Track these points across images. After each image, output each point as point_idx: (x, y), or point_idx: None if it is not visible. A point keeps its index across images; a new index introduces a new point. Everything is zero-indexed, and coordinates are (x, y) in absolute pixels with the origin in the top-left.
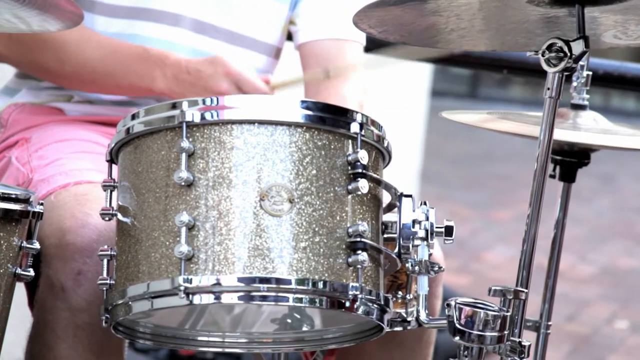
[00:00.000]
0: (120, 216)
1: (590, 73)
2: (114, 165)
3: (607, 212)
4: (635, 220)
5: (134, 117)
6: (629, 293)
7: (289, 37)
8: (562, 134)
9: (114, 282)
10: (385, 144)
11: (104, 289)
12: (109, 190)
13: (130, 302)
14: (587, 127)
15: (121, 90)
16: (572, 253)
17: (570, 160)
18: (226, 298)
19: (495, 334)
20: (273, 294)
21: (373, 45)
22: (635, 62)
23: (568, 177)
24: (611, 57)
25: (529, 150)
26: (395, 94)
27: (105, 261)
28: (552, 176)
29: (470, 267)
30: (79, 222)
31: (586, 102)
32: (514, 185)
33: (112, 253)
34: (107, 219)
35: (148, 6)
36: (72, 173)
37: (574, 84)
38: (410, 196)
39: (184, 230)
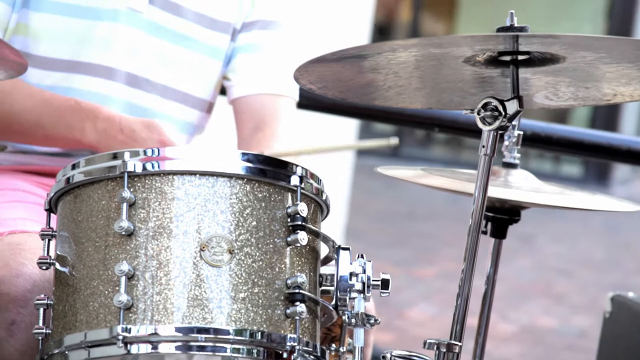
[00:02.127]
0: (58, 265)
1: (521, 133)
2: (52, 214)
3: (526, 271)
4: (553, 280)
5: (74, 166)
6: (548, 352)
7: (222, 92)
8: (494, 191)
9: (50, 331)
10: (324, 197)
11: (40, 338)
12: (47, 239)
13: (66, 352)
14: (518, 185)
15: (50, 142)
16: (492, 311)
17: (502, 217)
18: (164, 348)
19: None
20: (211, 344)
21: (307, 102)
22: (557, 123)
23: (499, 233)
24: (530, 117)
25: (450, 209)
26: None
27: (41, 310)
28: (484, 232)
29: (393, 324)
30: (13, 272)
31: (517, 161)
32: (437, 243)
33: (49, 302)
34: (44, 267)
35: (83, 59)
36: (6, 222)
37: (506, 143)
38: (347, 249)
39: (123, 279)
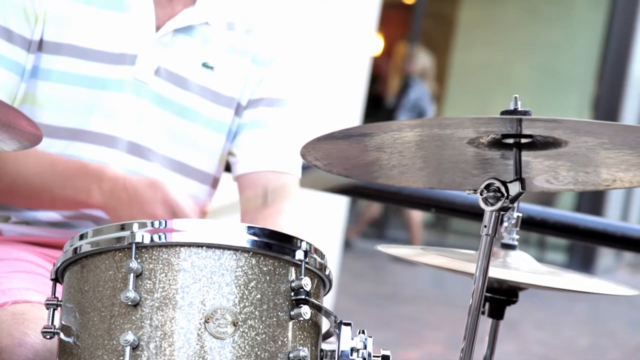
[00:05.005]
0: (62, 335)
1: (520, 215)
2: (58, 284)
3: (510, 357)
4: None
5: (82, 237)
6: None
7: (227, 168)
8: (493, 272)
9: None
10: (327, 272)
11: None
12: (51, 309)
13: None
14: (517, 266)
15: (56, 204)
16: None
17: (500, 297)
18: None
19: None
20: None
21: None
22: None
23: (497, 314)
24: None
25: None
26: (310, 232)
27: None
28: (482, 312)
29: None
30: (15, 341)
31: (516, 242)
32: (421, 326)
33: None
34: (48, 337)
35: (87, 128)
36: (10, 292)
37: (505, 224)
38: (349, 324)
39: (128, 349)
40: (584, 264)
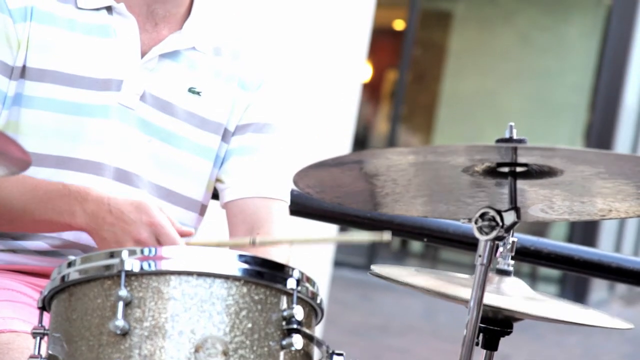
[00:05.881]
0: None
1: (516, 240)
2: (45, 313)
3: None
4: None
5: (70, 264)
6: None
7: (214, 196)
8: (487, 298)
9: None
10: (319, 301)
11: None
12: (38, 338)
13: None
14: (511, 294)
15: (39, 227)
16: None
17: (494, 328)
18: None
19: None
20: None
21: (296, 207)
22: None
23: (491, 345)
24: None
25: (425, 323)
26: (299, 264)
27: None
28: (476, 344)
29: None
30: None
31: (511, 268)
32: (411, 358)
33: None
34: None
35: (73, 155)
36: None
37: (500, 249)
38: (341, 354)
39: None
40: (576, 296)
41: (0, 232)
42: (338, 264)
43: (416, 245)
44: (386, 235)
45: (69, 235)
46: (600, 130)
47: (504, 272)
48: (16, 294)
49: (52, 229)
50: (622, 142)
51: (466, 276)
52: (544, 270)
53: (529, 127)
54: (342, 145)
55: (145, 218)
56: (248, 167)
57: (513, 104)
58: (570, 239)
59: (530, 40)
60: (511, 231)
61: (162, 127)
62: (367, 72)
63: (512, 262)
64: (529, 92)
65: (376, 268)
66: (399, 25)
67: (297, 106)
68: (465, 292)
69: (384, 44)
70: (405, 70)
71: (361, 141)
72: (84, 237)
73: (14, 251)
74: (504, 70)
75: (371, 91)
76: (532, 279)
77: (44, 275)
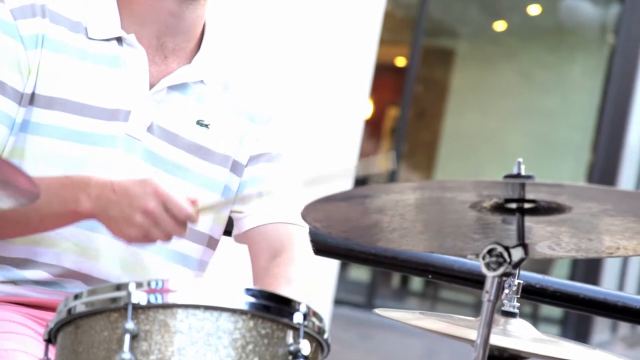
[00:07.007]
0: None
1: (522, 282)
2: (50, 346)
3: None
4: None
5: (76, 297)
6: None
7: (227, 232)
8: (493, 339)
9: None
10: (325, 336)
11: None
12: None
13: None
14: (517, 335)
15: (46, 223)
16: None
17: None
18: None
19: None
20: None
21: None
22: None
23: None
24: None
25: None
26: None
27: None
28: None
29: None
30: None
31: (516, 310)
32: None
33: None
34: None
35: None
36: None
37: (506, 291)
38: None
39: None
40: (578, 337)
41: (0, 261)
42: (338, 302)
43: (416, 284)
44: (390, 158)
45: (70, 264)
46: (603, 170)
47: (509, 314)
48: (18, 326)
49: (59, 223)
50: (626, 182)
51: (472, 318)
52: (546, 311)
53: (531, 166)
54: (344, 182)
55: (150, 189)
56: (265, 195)
57: (515, 142)
58: (572, 277)
59: (533, 79)
60: (518, 269)
61: (168, 159)
62: (369, 109)
63: (518, 304)
64: (531, 131)
65: (380, 311)
66: (400, 62)
67: (300, 141)
68: (472, 333)
69: (385, 81)
70: (407, 107)
71: (362, 178)
72: (85, 267)
73: (14, 283)
74: (506, 109)
75: (372, 128)
76: (534, 320)
77: (45, 307)
